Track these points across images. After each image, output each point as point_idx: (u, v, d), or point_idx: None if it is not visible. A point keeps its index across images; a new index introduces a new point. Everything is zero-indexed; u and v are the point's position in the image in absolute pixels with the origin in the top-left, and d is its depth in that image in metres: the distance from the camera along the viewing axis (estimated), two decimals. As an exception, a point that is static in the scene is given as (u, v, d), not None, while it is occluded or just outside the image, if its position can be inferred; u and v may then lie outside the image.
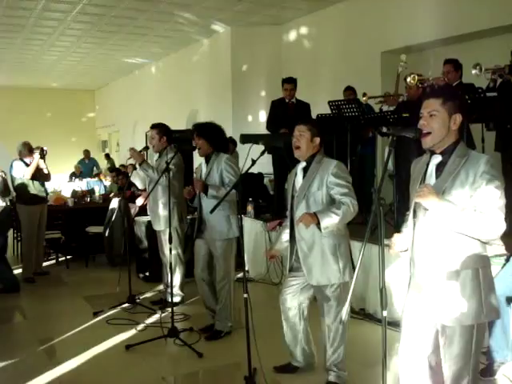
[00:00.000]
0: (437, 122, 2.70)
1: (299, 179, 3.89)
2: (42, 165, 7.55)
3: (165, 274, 6.10)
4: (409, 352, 2.88)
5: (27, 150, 7.50)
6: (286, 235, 4.08)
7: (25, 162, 7.47)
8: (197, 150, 5.08)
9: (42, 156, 7.49)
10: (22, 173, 7.40)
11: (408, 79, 6.19)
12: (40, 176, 7.54)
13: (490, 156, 2.72)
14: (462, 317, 2.66)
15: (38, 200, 7.57)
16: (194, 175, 5.36)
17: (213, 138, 5.03)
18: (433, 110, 2.71)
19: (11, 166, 7.54)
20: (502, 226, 2.58)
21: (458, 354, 2.71)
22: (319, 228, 3.58)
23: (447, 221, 2.59)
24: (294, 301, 4.00)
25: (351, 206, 3.64)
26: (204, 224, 5.06)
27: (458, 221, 2.57)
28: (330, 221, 3.58)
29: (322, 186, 3.74)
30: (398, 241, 2.90)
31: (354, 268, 3.83)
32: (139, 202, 7.36)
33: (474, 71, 5.72)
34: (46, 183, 7.88)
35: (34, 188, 7.52)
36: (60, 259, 8.74)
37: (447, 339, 2.72)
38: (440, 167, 2.75)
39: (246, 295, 3.72)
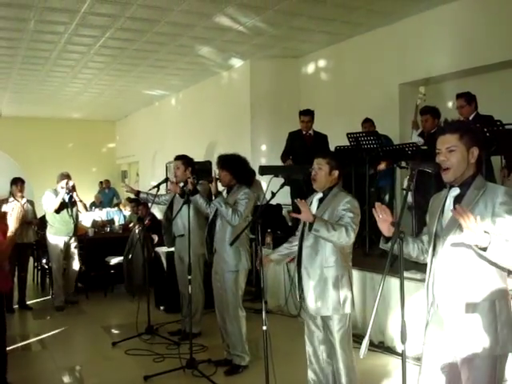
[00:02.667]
0: (456, 157, 2.73)
1: (313, 209, 3.89)
2: (76, 197, 7.70)
3: (184, 304, 6.13)
4: None
5: (61, 180, 7.66)
6: (284, 250, 4.23)
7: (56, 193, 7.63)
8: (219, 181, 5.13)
9: (70, 190, 7.60)
10: (48, 205, 7.56)
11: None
12: (68, 207, 7.67)
13: (509, 188, 2.74)
14: (479, 349, 2.65)
15: (67, 232, 7.68)
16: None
17: (236, 170, 5.07)
18: (451, 146, 2.74)
19: (44, 196, 7.73)
20: None
21: None
22: (310, 227, 3.57)
23: (491, 252, 2.44)
24: (317, 340, 3.94)
25: (347, 231, 3.60)
26: (215, 255, 5.10)
27: (502, 252, 2.46)
28: (324, 229, 3.56)
29: (333, 215, 3.74)
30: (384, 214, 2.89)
31: (353, 301, 3.82)
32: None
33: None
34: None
35: (61, 219, 7.63)
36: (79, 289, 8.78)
37: (469, 372, 2.70)
38: (458, 199, 2.77)
39: (264, 327, 3.71)
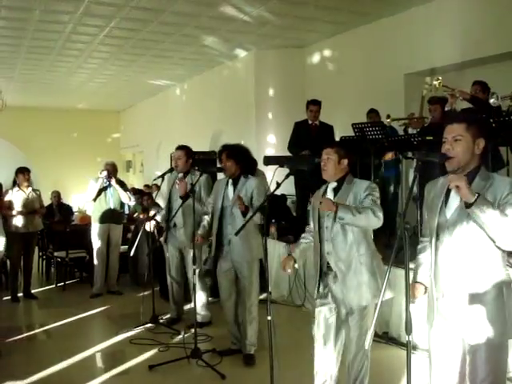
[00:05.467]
0: (461, 146, 2.73)
1: (330, 198, 3.82)
2: (115, 185, 7.79)
3: (176, 293, 6.39)
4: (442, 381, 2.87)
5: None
6: (302, 245, 4.04)
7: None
8: (224, 171, 5.11)
9: (106, 179, 7.69)
10: (86, 194, 7.81)
11: (434, 82, 6.16)
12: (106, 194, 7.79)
13: None
14: (489, 336, 2.67)
15: (104, 219, 7.74)
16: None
17: (241, 159, 5.08)
18: (457, 135, 2.74)
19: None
20: None
21: (486, 375, 2.70)
22: (334, 217, 3.50)
23: (476, 209, 2.55)
24: (331, 337, 3.78)
25: (374, 212, 3.54)
26: (227, 246, 5.08)
27: (486, 213, 2.55)
28: (348, 214, 3.48)
29: (357, 199, 3.69)
30: (419, 292, 2.94)
31: (379, 290, 3.58)
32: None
33: (491, 100, 5.69)
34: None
35: (99, 206, 7.75)
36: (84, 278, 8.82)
37: (475, 361, 2.72)
38: None
39: (269, 317, 3.71)
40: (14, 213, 7.49)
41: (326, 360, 3.76)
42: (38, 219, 7.83)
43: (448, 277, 2.77)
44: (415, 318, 2.58)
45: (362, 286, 3.66)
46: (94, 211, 7.84)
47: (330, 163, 3.80)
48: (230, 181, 5.14)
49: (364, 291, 3.65)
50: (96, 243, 7.78)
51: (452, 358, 2.83)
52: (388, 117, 7.02)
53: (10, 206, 7.53)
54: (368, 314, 3.69)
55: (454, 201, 2.78)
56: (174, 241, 6.19)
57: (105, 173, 7.66)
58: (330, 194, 3.84)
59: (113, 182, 7.70)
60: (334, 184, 3.84)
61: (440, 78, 6.22)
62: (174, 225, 6.13)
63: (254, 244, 5.00)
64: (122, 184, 7.87)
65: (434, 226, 2.83)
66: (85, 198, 7.99)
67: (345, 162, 3.82)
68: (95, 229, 7.78)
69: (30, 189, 7.75)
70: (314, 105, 7.72)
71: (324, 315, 3.77)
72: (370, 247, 3.76)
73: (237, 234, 4.12)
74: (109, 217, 7.77)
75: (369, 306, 3.69)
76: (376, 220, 3.56)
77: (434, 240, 2.83)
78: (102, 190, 7.74)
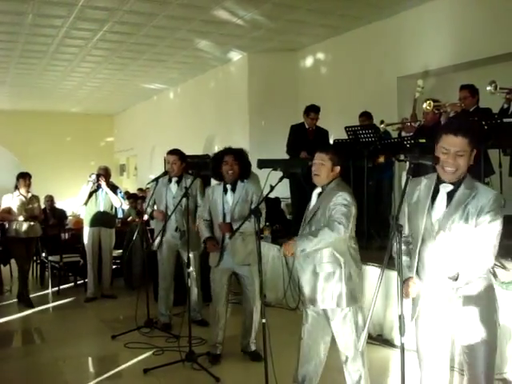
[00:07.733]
0: (464, 160, 2.79)
1: (312, 204, 3.89)
2: (105, 189, 7.72)
3: (168, 298, 6.39)
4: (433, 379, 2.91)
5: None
6: None
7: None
8: (227, 174, 5.06)
9: (95, 183, 7.66)
10: (79, 198, 7.77)
11: (424, 105, 6.22)
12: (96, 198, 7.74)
13: (498, 192, 2.87)
14: (478, 337, 2.74)
15: (94, 222, 7.71)
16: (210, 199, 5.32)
17: (245, 164, 5.11)
18: (461, 151, 2.78)
19: None
20: (490, 263, 2.79)
21: (486, 368, 2.79)
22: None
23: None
24: (318, 337, 3.94)
25: (335, 229, 3.59)
26: (228, 251, 5.06)
27: (468, 276, 2.76)
28: (307, 243, 3.61)
29: (325, 212, 3.72)
30: (413, 289, 2.94)
31: (353, 297, 3.74)
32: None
33: (488, 88, 5.70)
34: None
35: (90, 210, 7.72)
36: (78, 282, 8.80)
37: (471, 359, 2.79)
38: (449, 195, 2.83)
39: (264, 320, 3.73)
40: (20, 218, 7.49)
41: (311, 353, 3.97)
42: (37, 225, 7.82)
43: (435, 277, 2.82)
44: (408, 320, 2.60)
45: (319, 291, 3.79)
46: (86, 215, 7.83)
47: (324, 169, 3.80)
48: (229, 186, 5.08)
49: (318, 295, 3.79)
50: (88, 247, 7.75)
51: (441, 356, 2.87)
52: (382, 122, 7.03)
53: (9, 211, 7.51)
54: (331, 317, 3.84)
55: (440, 205, 2.82)
56: (167, 244, 6.18)
57: (93, 176, 7.65)
58: (314, 199, 3.89)
59: (103, 185, 7.66)
60: (319, 189, 3.88)
61: (428, 100, 6.26)
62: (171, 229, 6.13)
63: (254, 248, 4.98)
64: (113, 188, 7.84)
65: (419, 229, 2.86)
66: (76, 201, 7.93)
67: (337, 169, 3.84)
68: (86, 232, 7.76)
69: (29, 194, 7.74)
70: (316, 113, 7.67)
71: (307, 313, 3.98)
72: (338, 256, 3.77)
73: (230, 237, 4.15)
74: (99, 220, 7.73)
75: (334, 311, 3.80)
76: (334, 235, 3.61)
77: (419, 244, 2.86)
78: (92, 193, 7.70)
